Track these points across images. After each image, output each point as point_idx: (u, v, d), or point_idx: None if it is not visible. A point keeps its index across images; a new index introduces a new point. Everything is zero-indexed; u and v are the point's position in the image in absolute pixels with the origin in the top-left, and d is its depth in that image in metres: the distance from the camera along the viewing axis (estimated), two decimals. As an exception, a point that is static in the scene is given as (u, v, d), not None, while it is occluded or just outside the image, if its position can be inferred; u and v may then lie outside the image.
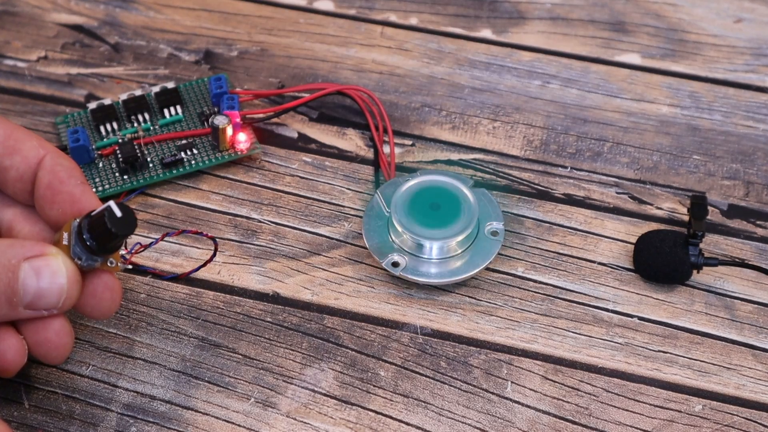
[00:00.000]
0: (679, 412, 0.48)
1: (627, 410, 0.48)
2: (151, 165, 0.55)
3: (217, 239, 0.50)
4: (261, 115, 0.57)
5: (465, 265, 0.51)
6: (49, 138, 0.57)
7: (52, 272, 0.42)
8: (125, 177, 0.54)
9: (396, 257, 0.51)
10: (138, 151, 0.55)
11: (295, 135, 0.58)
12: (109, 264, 0.44)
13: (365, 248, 0.53)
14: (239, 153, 0.56)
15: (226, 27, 0.63)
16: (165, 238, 0.48)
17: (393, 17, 0.64)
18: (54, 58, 0.61)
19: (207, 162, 0.55)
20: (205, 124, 0.57)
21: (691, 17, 0.64)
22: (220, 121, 0.54)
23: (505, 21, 0.64)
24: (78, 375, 0.48)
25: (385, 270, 0.52)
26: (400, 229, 0.51)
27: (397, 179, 0.54)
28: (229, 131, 0.55)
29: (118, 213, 0.42)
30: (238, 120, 0.55)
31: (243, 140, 0.56)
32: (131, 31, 0.62)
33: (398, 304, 0.51)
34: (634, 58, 0.62)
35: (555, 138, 0.58)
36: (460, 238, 0.51)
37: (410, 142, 0.58)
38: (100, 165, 0.55)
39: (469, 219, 0.51)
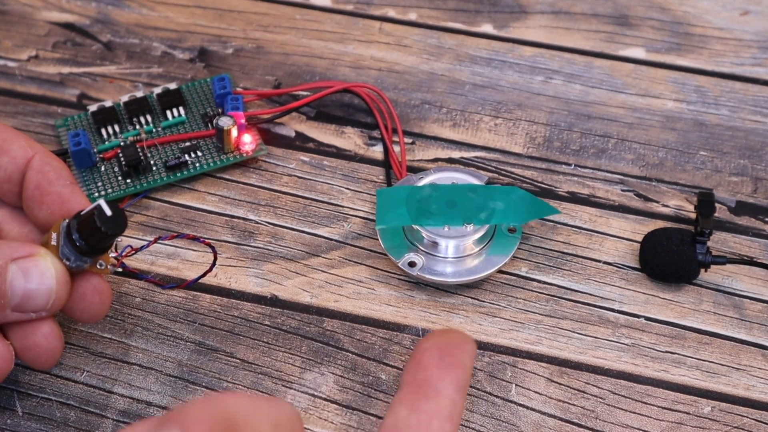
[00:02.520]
0: (688, 414, 0.48)
1: (634, 412, 0.48)
2: (154, 168, 0.55)
3: (215, 248, 0.50)
4: (266, 116, 0.57)
5: (483, 263, 0.51)
6: (46, 140, 0.57)
7: (40, 273, 0.42)
8: (128, 181, 0.54)
9: (413, 257, 0.51)
10: (141, 154, 0.55)
11: (293, 134, 0.58)
12: (98, 266, 0.44)
13: (365, 249, 0.53)
14: (244, 155, 0.56)
15: (220, 24, 0.63)
16: (158, 242, 0.48)
17: (391, 12, 0.64)
18: (45, 58, 0.61)
19: (212, 164, 0.55)
20: (209, 125, 0.57)
21: (697, 10, 0.64)
22: (224, 122, 0.54)
23: (506, 15, 0.64)
24: (72, 381, 0.48)
25: (385, 271, 0.52)
26: (415, 227, 0.51)
27: (409, 177, 0.54)
28: (234, 133, 0.55)
29: (108, 212, 0.42)
30: (242, 121, 0.55)
31: (248, 141, 0.55)
32: (124, 29, 0.62)
33: (399, 306, 0.51)
34: (639, 53, 0.62)
35: (558, 135, 0.58)
36: (476, 236, 0.51)
37: (410, 140, 0.58)
38: (102, 169, 0.55)
39: None
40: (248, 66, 0.61)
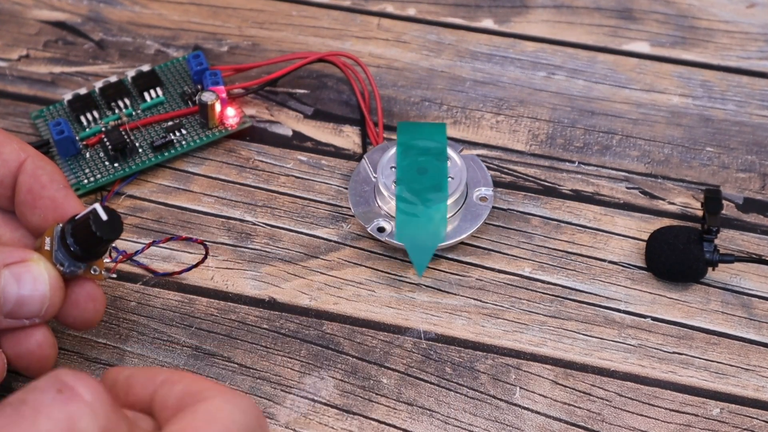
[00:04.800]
0: (696, 416, 0.48)
1: (641, 415, 0.48)
2: (140, 150, 0.55)
3: (207, 243, 0.50)
4: (249, 87, 0.58)
5: (453, 231, 0.52)
6: (32, 138, 0.56)
7: (33, 279, 0.42)
8: (116, 165, 0.55)
9: (382, 222, 0.52)
10: (126, 136, 0.55)
11: (290, 133, 0.58)
12: (92, 272, 0.44)
13: (365, 250, 0.53)
14: (229, 129, 0.56)
15: (215, 21, 0.63)
16: (153, 245, 0.48)
17: (390, 8, 0.64)
18: (36, 57, 0.61)
19: (198, 141, 0.56)
20: (189, 103, 0.57)
21: (702, 3, 0.64)
22: (207, 97, 0.55)
23: (507, 10, 0.64)
24: (66, 388, 0.48)
25: (386, 273, 0.52)
26: (386, 194, 0.52)
27: (386, 144, 0.55)
28: (218, 107, 0.56)
29: (104, 216, 0.42)
30: (224, 95, 0.56)
31: (232, 115, 0.57)
32: (116, 27, 0.62)
33: (400, 308, 0.51)
34: (643, 47, 0.62)
35: (561, 131, 0.58)
36: (447, 202, 0.52)
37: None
38: (88, 155, 0.55)
39: (457, 184, 0.52)
40: (243, 64, 0.60)
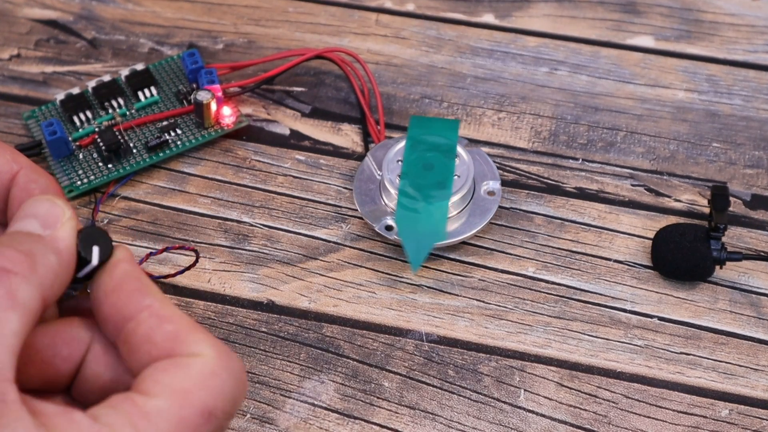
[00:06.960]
0: (705, 417, 0.48)
1: (649, 417, 0.48)
2: (135, 150, 0.55)
3: (203, 245, 0.50)
4: (245, 85, 0.58)
5: (462, 226, 0.52)
6: (24, 140, 0.56)
7: None
8: (110, 165, 0.55)
9: (389, 221, 0.52)
10: (120, 137, 0.55)
11: (287, 132, 0.58)
12: (88, 291, 0.44)
13: (365, 251, 0.53)
14: (225, 128, 0.56)
15: (210, 18, 0.63)
16: (150, 258, 0.48)
17: (388, 3, 0.64)
18: (27, 56, 0.61)
19: (193, 141, 0.56)
20: (184, 102, 0.57)
21: (707, -5, 0.64)
22: (203, 96, 0.55)
23: (508, 4, 0.64)
24: (61, 394, 0.48)
25: (386, 274, 0.52)
26: (392, 191, 0.52)
27: (387, 141, 0.55)
28: (214, 106, 0.56)
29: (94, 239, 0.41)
30: (219, 94, 0.56)
31: (228, 114, 0.57)
32: (109, 25, 0.62)
33: (401, 310, 0.51)
34: (647, 41, 0.62)
35: (564, 128, 0.58)
36: (455, 198, 0.52)
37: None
38: (81, 156, 0.55)
39: (463, 181, 0.52)
40: (240, 62, 0.60)
